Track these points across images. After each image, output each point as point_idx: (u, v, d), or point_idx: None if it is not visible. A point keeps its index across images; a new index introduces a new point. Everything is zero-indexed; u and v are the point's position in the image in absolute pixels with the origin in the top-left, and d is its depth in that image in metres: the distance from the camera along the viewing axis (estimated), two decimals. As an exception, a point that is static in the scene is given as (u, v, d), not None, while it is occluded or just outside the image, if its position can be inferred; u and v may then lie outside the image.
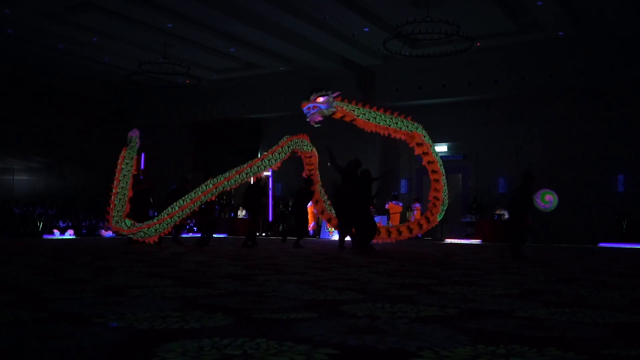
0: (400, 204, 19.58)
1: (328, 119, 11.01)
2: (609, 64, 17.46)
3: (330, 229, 18.14)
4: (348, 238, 11.59)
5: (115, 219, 12.01)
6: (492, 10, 15.79)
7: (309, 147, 13.29)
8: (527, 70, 18.56)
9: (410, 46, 17.64)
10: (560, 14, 15.82)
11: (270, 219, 21.92)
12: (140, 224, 11.81)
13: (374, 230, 10.74)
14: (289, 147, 12.69)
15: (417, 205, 19.23)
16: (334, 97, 10.27)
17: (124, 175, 12.42)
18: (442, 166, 12.61)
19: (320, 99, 10.04)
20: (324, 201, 13.69)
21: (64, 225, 19.22)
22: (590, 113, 18.33)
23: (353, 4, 15.77)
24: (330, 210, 13.31)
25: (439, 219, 12.95)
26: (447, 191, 12.74)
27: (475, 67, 18.99)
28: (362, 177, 10.62)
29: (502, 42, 18.13)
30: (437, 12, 14.71)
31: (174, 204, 11.78)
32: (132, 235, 11.97)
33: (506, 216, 17.73)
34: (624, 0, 15.21)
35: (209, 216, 12.64)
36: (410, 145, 12.41)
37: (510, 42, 18.19)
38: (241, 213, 22.07)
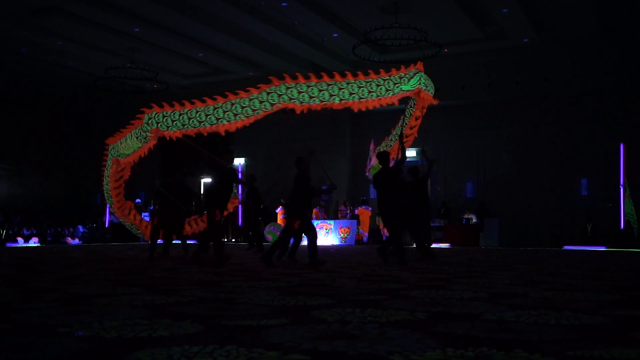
0: (370, 209, 19.69)
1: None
2: (571, 70, 17.89)
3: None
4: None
5: None
6: (460, 18, 16.04)
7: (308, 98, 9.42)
8: (493, 77, 18.89)
9: (379, 52, 17.79)
10: (525, 21, 16.17)
11: (240, 223, 21.78)
12: None
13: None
14: (268, 93, 9.47)
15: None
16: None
17: None
18: None
19: None
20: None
21: (28, 233, 18.79)
22: (554, 118, 18.75)
23: (322, 9, 15.84)
24: None
25: None
26: None
27: (443, 74, 19.23)
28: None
29: (469, 49, 18.44)
30: (406, 19, 14.88)
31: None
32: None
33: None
34: (586, 8, 15.61)
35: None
36: None
37: (477, 49, 18.50)
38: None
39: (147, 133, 10.13)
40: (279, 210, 19.53)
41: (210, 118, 9.72)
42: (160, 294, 4.46)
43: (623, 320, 3.27)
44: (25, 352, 2.37)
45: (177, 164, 11.61)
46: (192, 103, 9.94)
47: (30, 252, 12.88)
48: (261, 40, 17.93)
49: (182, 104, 10.01)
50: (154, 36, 17.50)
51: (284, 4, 15.26)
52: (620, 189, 16.99)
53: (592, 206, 17.80)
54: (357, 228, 19.03)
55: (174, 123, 9.89)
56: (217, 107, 9.74)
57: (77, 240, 19.46)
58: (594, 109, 18.21)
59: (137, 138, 10.48)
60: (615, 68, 17.51)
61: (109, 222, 21.38)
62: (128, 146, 10.89)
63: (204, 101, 9.89)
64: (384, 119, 17.22)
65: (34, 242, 18.30)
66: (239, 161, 23.43)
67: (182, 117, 9.84)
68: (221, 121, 9.73)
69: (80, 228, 20.14)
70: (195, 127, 9.83)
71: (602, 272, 7.09)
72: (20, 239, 18.23)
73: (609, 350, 2.39)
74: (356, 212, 19.63)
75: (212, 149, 8.62)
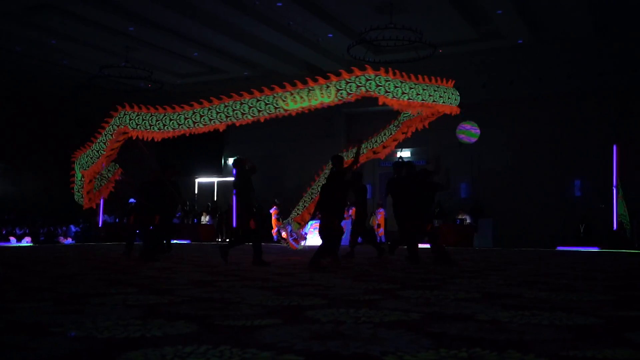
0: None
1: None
2: (565, 70, 17.96)
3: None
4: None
5: None
6: (455, 18, 16.09)
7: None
8: (488, 77, 18.93)
9: (374, 52, 17.81)
10: (519, 22, 16.23)
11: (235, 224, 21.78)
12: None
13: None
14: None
15: (381, 210, 19.35)
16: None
17: None
18: None
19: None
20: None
21: (21, 232, 18.71)
22: (548, 119, 18.82)
23: (317, 9, 15.85)
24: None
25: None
26: None
27: (438, 74, 19.23)
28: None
29: (463, 49, 18.49)
30: (401, 19, 14.90)
31: None
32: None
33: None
34: (580, 9, 15.68)
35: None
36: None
37: (472, 50, 18.55)
38: (204, 218, 21.87)
39: (355, 85, 9.06)
40: (272, 210, 19.50)
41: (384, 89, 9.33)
42: (154, 293, 4.45)
43: (616, 320, 3.28)
44: (18, 351, 2.36)
45: (169, 162, 11.55)
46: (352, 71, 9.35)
47: (22, 252, 12.82)
48: (256, 40, 17.92)
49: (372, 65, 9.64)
50: (148, 35, 17.46)
51: (279, 4, 15.26)
52: (613, 190, 17.06)
53: (586, 207, 17.86)
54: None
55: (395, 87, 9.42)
56: (389, 80, 9.45)
57: (69, 240, 19.39)
58: (588, 109, 18.29)
59: (340, 91, 9.25)
60: (610, 69, 17.59)
61: (102, 221, 21.32)
62: (312, 98, 9.59)
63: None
64: (378, 120, 17.24)
65: (26, 242, 18.23)
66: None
67: (378, 82, 9.28)
68: (388, 95, 9.48)
69: (73, 228, 20.08)
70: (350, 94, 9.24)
71: (595, 273, 7.11)
72: (12, 239, 18.15)
73: (602, 351, 2.40)
74: (350, 212, 19.59)
75: (203, 147, 8.55)
